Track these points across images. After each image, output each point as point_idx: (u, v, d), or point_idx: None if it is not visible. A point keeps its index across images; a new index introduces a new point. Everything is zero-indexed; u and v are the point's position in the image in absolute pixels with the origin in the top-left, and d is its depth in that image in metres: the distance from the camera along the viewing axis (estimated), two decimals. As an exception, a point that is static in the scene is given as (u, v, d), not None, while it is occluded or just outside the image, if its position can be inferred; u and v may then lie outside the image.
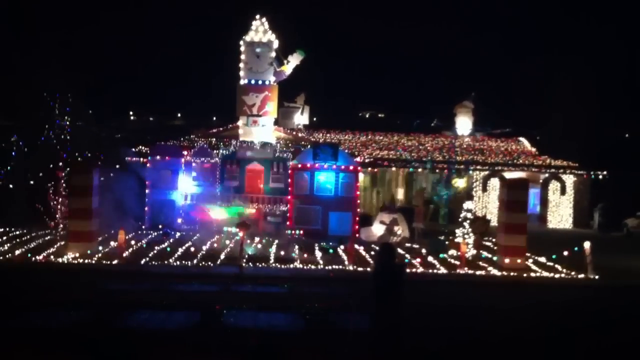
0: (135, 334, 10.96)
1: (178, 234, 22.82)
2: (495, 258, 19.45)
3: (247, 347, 10.29)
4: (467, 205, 21.74)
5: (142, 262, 17.48)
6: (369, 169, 30.05)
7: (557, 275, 17.85)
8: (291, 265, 17.70)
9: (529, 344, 11.35)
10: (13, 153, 25.27)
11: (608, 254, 20.52)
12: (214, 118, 55.76)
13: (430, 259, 19.12)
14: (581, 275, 17.74)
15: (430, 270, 17.74)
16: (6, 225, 22.60)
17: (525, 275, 17.82)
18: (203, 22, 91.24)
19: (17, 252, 18.12)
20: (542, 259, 19.77)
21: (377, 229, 22.80)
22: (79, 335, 10.74)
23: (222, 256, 18.50)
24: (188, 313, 12.49)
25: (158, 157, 24.44)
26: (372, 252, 19.74)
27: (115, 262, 17.25)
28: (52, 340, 10.46)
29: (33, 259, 17.38)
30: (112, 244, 19.27)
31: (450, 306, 13.80)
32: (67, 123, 23.30)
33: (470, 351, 10.86)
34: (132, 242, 20.04)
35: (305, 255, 19.21)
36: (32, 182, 24.83)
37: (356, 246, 20.21)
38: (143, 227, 23.74)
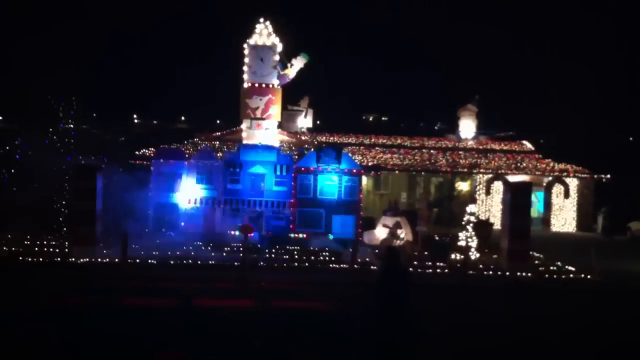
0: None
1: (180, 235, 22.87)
2: (498, 261, 19.42)
3: None
4: (471, 208, 21.69)
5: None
6: (372, 172, 30.01)
7: (560, 278, 17.84)
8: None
9: (531, 348, 11.32)
10: (17, 156, 25.28)
11: (612, 258, 20.45)
12: (218, 121, 55.93)
13: (433, 262, 19.08)
14: (585, 278, 17.71)
15: (433, 274, 17.70)
16: (10, 228, 22.62)
17: (528, 278, 17.79)
18: (206, 25, 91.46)
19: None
20: (546, 262, 19.71)
21: (380, 233, 22.73)
22: None
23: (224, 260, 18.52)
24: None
25: (161, 160, 24.42)
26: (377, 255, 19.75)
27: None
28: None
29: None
30: (114, 246, 19.28)
31: (453, 311, 13.76)
32: (72, 126, 23.28)
33: (475, 356, 10.84)
34: (134, 245, 20.08)
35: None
36: (35, 185, 24.82)
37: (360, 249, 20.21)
38: (146, 230, 23.71)
